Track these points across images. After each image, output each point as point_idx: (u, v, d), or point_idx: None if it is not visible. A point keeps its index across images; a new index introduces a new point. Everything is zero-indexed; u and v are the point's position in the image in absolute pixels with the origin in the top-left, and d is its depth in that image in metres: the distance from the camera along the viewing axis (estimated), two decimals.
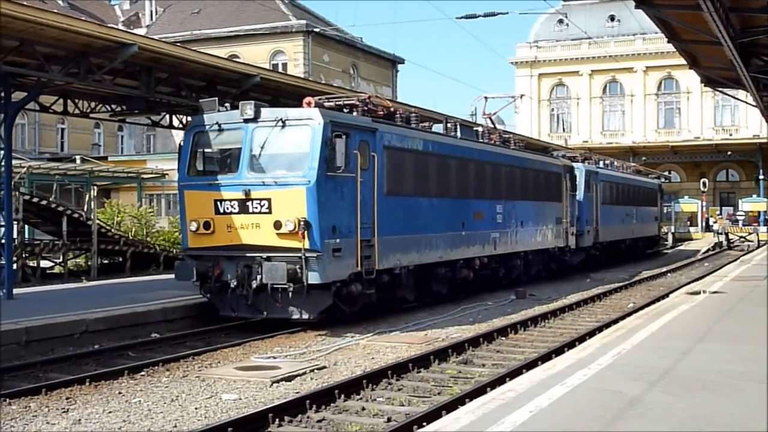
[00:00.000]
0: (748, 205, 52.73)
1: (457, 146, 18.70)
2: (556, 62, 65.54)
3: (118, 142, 55.28)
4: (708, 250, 43.94)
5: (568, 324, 15.86)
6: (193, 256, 14.54)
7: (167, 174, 36.55)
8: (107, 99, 19.69)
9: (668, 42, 18.49)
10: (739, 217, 50.54)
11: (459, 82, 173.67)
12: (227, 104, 17.04)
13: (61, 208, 25.59)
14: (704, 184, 54.26)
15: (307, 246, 13.31)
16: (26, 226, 26.00)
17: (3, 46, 14.33)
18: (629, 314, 15.01)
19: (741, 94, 28.02)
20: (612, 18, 64.81)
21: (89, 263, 26.09)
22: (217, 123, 14.42)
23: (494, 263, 20.52)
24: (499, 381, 9.38)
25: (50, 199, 26.22)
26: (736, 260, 30.73)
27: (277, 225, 13.44)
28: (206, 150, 14.88)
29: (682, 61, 21.93)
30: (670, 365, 8.56)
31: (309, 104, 14.01)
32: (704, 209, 54.91)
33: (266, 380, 10.23)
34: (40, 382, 10.18)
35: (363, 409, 8.84)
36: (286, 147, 13.90)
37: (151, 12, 60.58)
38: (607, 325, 13.75)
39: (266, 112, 14.03)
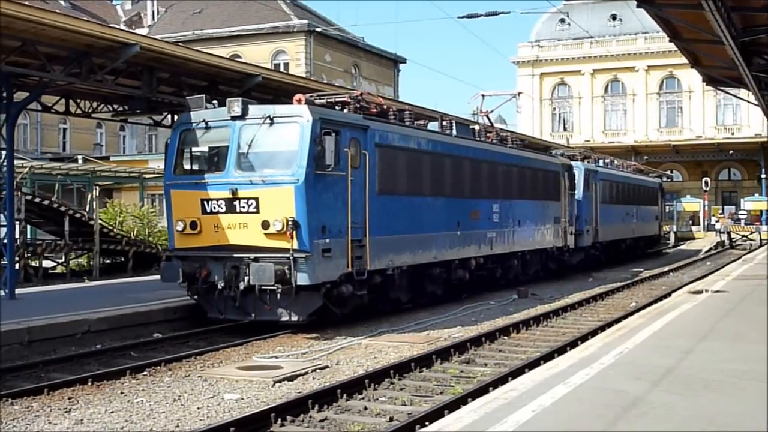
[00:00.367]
0: (750, 204, 52.75)
1: (452, 144, 18.34)
2: (558, 61, 65.48)
3: (120, 142, 55.30)
4: (710, 249, 43.89)
5: (570, 323, 15.85)
6: (179, 256, 14.16)
7: None
8: (109, 99, 19.68)
9: (670, 41, 18.48)
10: (741, 216, 50.54)
11: (461, 82, 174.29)
12: (215, 101, 16.86)
13: (63, 208, 25.61)
14: (706, 183, 54.17)
15: (295, 246, 12.96)
16: (28, 226, 26.08)
17: (5, 46, 14.33)
18: (631, 313, 15.01)
19: (743, 93, 27.96)
20: (613, 17, 64.71)
21: (91, 263, 26.10)
22: (204, 120, 14.12)
23: (491, 263, 20.21)
24: (501, 380, 9.37)
25: (52, 199, 26.19)
26: (738, 259, 30.73)
27: (265, 225, 13.10)
28: (193, 148, 14.56)
29: (684, 60, 21.90)
30: (673, 364, 8.56)
31: (299, 101, 13.71)
32: (706, 208, 54.87)
33: (268, 380, 10.23)
34: (42, 382, 10.18)
35: (365, 408, 8.84)
36: (274, 145, 13.53)
37: (153, 12, 60.63)
38: (610, 325, 13.73)
39: (254, 110, 13.68)
